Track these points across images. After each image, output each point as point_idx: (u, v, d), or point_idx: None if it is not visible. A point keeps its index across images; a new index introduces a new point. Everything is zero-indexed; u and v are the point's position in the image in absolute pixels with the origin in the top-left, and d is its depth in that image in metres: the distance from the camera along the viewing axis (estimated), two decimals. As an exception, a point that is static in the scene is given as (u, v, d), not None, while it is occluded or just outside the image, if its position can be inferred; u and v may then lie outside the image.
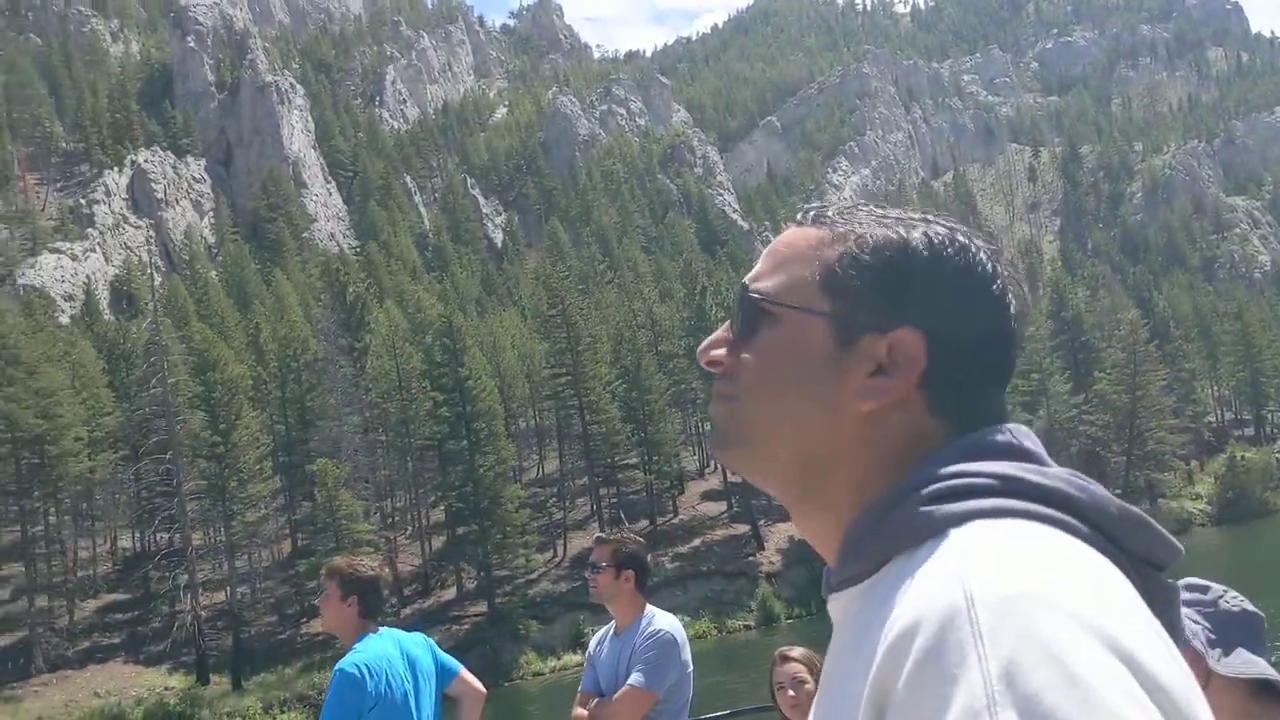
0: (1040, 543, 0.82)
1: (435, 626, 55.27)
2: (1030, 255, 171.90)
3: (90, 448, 53.77)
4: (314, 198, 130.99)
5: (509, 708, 45.10)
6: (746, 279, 1.01)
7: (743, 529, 63.78)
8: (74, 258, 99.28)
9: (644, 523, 64.97)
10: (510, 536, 53.90)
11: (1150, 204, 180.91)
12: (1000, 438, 0.92)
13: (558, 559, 61.16)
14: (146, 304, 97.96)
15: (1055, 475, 0.89)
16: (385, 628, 4.76)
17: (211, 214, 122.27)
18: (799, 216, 1.04)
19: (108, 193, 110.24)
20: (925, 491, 0.88)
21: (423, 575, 59.77)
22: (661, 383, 63.52)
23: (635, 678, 4.32)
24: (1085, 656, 0.72)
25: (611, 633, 4.64)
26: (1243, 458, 72.40)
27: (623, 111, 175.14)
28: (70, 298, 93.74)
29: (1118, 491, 72.76)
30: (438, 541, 62.84)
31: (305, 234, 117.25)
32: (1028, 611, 0.74)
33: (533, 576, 58.72)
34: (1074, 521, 0.85)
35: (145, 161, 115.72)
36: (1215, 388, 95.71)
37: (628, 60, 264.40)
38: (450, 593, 58.75)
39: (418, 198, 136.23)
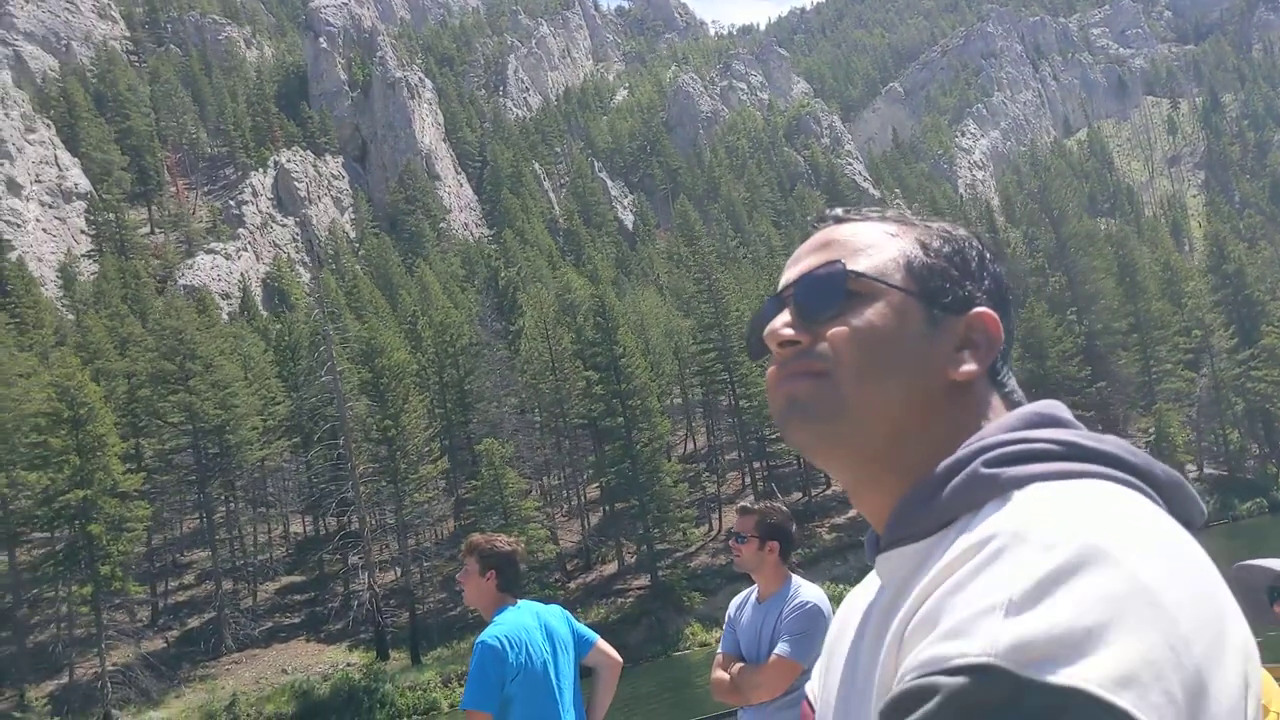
0: (1102, 497, 0.85)
1: (600, 600, 56.29)
2: (1174, 210, 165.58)
3: (264, 436, 56.12)
4: (447, 189, 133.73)
5: (676, 676, 45.71)
6: (833, 263, 1.04)
7: (898, 498, 63.15)
8: (228, 257, 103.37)
9: (796, 495, 64.98)
10: (669, 511, 54.41)
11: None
12: (1048, 410, 0.98)
13: (713, 532, 61.56)
14: (299, 298, 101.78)
15: (1110, 440, 0.92)
16: (524, 600, 4.81)
17: (351, 209, 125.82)
18: (835, 214, 1.10)
19: (254, 193, 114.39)
20: (990, 455, 0.92)
21: (583, 551, 60.82)
22: (812, 353, 63.12)
23: (783, 648, 4.24)
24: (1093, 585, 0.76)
25: (754, 598, 4.55)
26: None
27: (743, 86, 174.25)
28: (227, 295, 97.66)
29: (1291, 450, 69.98)
30: (594, 518, 63.90)
31: (442, 224, 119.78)
32: (1089, 534, 0.79)
33: (691, 550, 59.28)
34: (1134, 480, 0.89)
35: (287, 161, 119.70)
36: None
37: (743, 35, 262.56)
38: (611, 567, 59.61)
39: (546, 184, 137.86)
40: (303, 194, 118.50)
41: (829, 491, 65.52)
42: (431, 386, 60.11)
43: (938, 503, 0.93)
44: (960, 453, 0.95)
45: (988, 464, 0.92)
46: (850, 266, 1.03)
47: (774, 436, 64.00)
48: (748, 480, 65.68)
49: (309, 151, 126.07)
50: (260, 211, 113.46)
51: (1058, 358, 62.99)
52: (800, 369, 1.02)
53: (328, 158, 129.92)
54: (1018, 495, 0.87)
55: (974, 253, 1.06)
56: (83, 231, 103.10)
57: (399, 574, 57.40)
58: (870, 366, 1.00)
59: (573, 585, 58.27)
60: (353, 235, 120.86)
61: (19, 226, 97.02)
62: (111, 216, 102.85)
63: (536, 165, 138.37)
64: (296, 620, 57.36)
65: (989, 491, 0.90)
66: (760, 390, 61.58)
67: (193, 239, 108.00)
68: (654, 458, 55.14)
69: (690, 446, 71.52)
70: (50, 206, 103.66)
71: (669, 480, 55.17)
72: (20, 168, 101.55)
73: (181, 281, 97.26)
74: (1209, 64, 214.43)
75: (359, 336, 53.70)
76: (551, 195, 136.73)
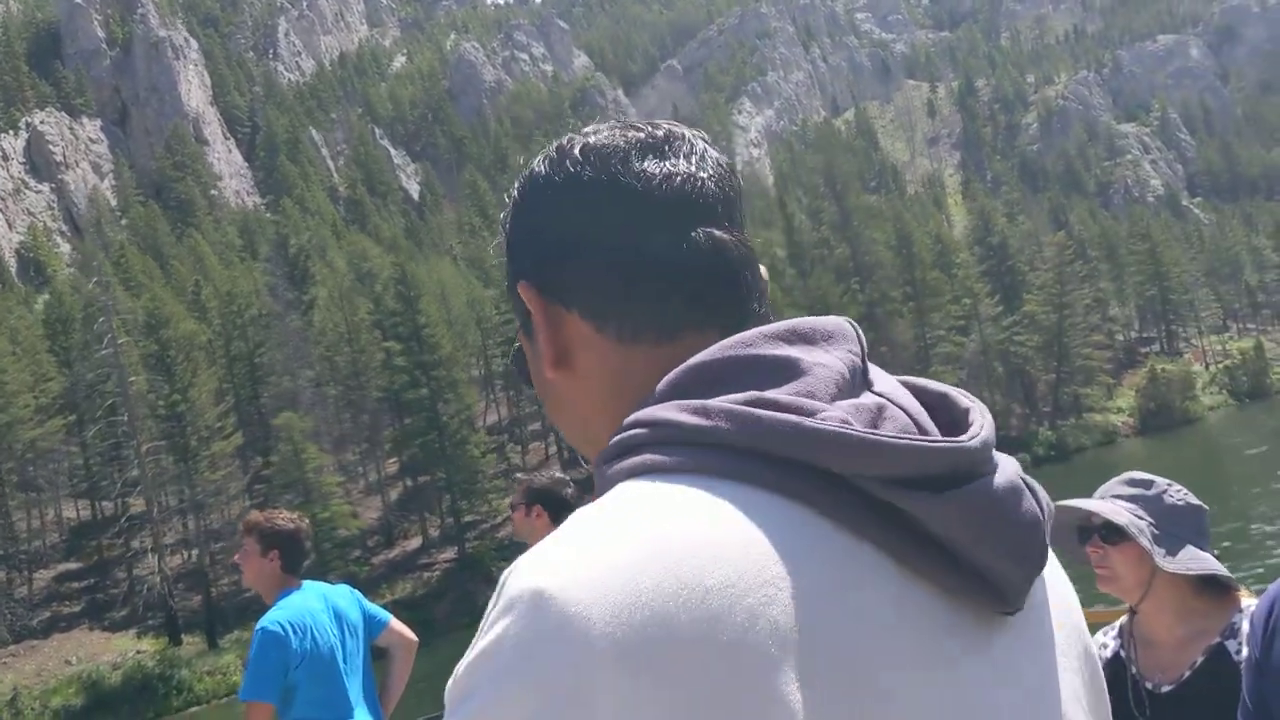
0: (628, 509, 0.70)
1: (406, 575, 55.41)
2: (934, 188, 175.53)
3: (36, 415, 52.28)
4: (216, 155, 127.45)
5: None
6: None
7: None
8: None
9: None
10: (477, 482, 54.04)
11: (1046, 133, 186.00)
12: (715, 356, 0.79)
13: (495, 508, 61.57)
14: (57, 269, 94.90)
15: (715, 410, 0.74)
16: (309, 581, 4.56)
17: (112, 175, 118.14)
18: None
19: (4, 157, 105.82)
20: (602, 452, 0.79)
21: (385, 526, 59.59)
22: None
23: None
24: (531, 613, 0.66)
25: None
26: (1163, 370, 75.79)
27: (525, 57, 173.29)
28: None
29: (1047, 409, 75.84)
30: (393, 493, 62.68)
31: (213, 192, 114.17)
32: (519, 605, 0.66)
33: (498, 521, 59.02)
34: (727, 462, 0.72)
35: (40, 124, 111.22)
36: (1122, 307, 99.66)
37: (520, 5, 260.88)
38: (415, 542, 58.69)
39: (324, 151, 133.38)
40: (59, 158, 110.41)
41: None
42: (219, 359, 57.46)
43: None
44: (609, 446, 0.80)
45: (601, 460, 0.79)
46: None
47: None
48: (552, 450, 65.90)
49: (64, 113, 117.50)
50: (11, 177, 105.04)
51: (843, 324, 65.96)
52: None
53: (84, 120, 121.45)
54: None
55: (520, 203, 0.91)
56: None
57: (189, 556, 54.81)
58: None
59: (375, 562, 57.11)
60: (114, 203, 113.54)
61: None
62: None
63: (314, 131, 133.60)
64: (77, 609, 53.95)
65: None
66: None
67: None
68: (461, 429, 54.56)
69: (494, 418, 71.11)
70: None
71: (476, 451, 54.75)
72: None
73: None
74: (963, 50, 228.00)
75: (143, 307, 50.61)
76: (330, 163, 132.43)
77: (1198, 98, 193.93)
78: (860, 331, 0.85)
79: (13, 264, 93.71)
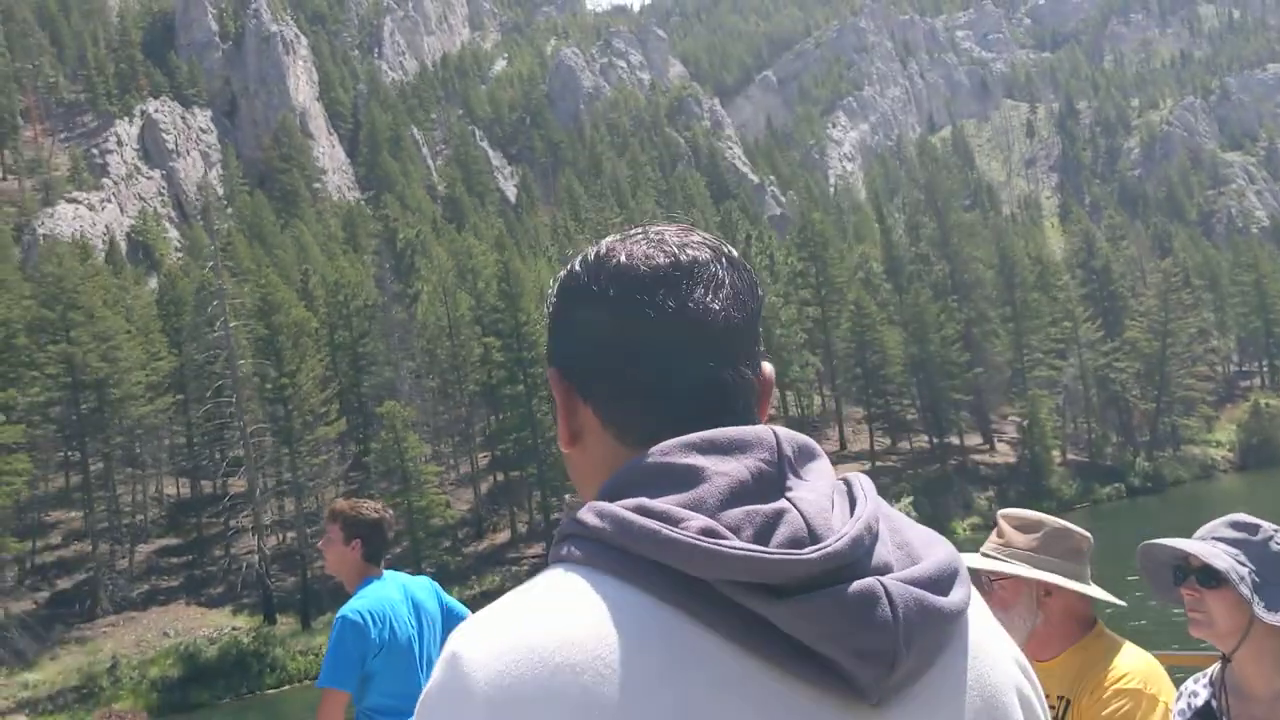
0: (530, 597, 0.91)
1: (495, 568, 56.05)
2: (1030, 209, 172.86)
3: (148, 392, 53.91)
4: (320, 150, 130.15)
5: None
6: None
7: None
8: (91, 208, 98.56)
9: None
10: (567, 480, 54.40)
11: (1147, 159, 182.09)
12: (638, 463, 0.95)
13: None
14: (164, 254, 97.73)
15: (605, 514, 0.91)
16: (390, 571, 4.59)
17: (219, 165, 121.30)
18: None
19: (119, 143, 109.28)
20: (561, 527, 0.97)
21: (475, 519, 60.35)
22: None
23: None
24: (438, 697, 0.89)
25: None
26: (1268, 404, 73.75)
27: (623, 64, 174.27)
28: (90, 248, 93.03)
29: (1145, 438, 74.17)
30: (483, 486, 63.39)
31: (317, 184, 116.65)
32: (449, 658, 0.89)
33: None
34: (623, 561, 0.89)
35: (155, 112, 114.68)
36: (1223, 339, 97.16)
37: (619, 12, 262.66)
38: (504, 535, 59.34)
39: (425, 150, 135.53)
40: (170, 146, 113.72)
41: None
42: (323, 347, 58.70)
43: None
44: None
45: (554, 542, 0.99)
46: None
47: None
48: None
49: (176, 103, 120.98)
50: (125, 162, 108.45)
51: (940, 342, 65.32)
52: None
53: (196, 110, 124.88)
54: None
55: (556, 300, 1.08)
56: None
57: (285, 538, 56.04)
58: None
59: (465, 553, 57.85)
60: (221, 192, 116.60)
61: None
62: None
63: (415, 130, 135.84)
64: (175, 583, 55.44)
65: None
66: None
67: (51, 187, 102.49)
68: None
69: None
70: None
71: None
72: None
73: (40, 230, 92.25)
74: (1065, 71, 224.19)
75: (255, 292, 51.94)
76: (430, 162, 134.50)
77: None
78: (784, 439, 0.96)
79: (123, 246, 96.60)
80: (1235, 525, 2.39)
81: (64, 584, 53.95)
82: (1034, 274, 73.04)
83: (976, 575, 2.74)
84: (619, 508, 0.90)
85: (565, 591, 0.89)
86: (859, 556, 0.88)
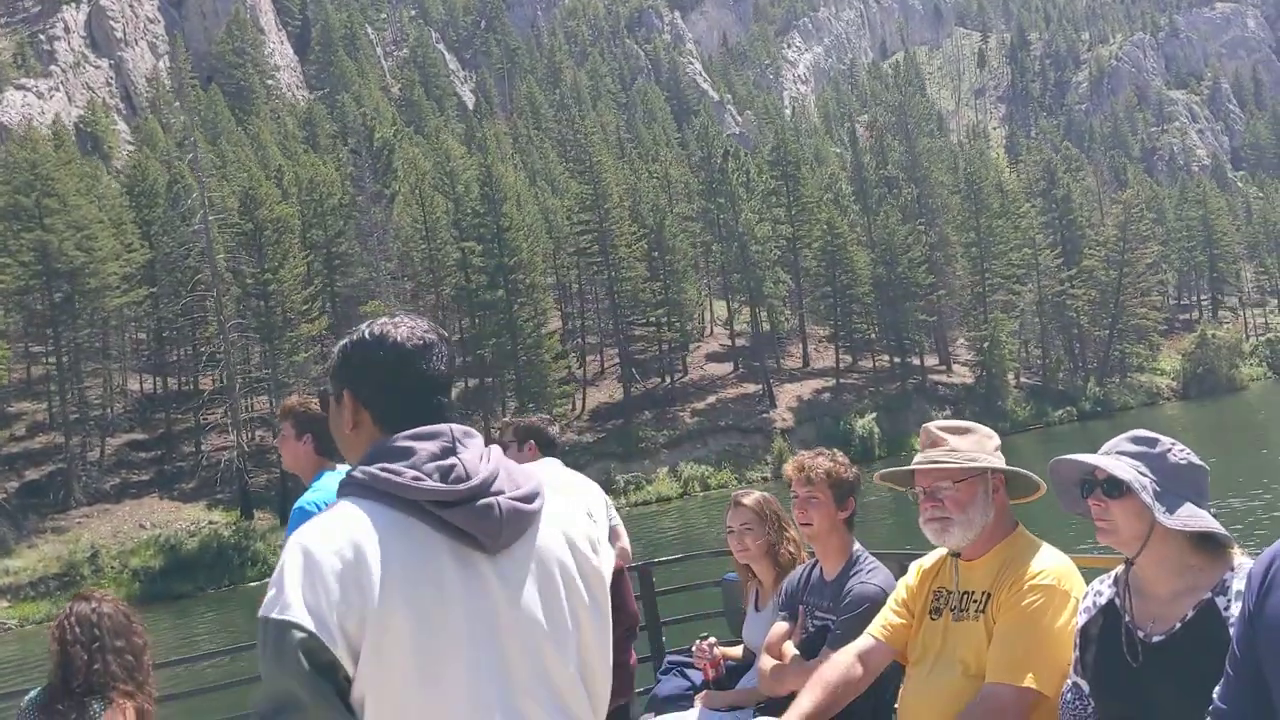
0: (333, 511, 1.81)
1: (468, 471, 56.62)
2: (978, 139, 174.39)
3: (122, 284, 53.09)
4: (271, 46, 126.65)
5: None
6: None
7: (753, 388, 65.81)
8: (40, 96, 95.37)
9: (656, 380, 66.69)
10: (549, 386, 55.00)
11: (1095, 93, 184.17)
12: (384, 445, 1.87)
13: (577, 411, 62.64)
14: (113, 147, 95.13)
15: (371, 471, 1.81)
16: (342, 465, 4.62)
17: (167, 57, 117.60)
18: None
19: (66, 29, 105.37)
20: (342, 480, 1.88)
21: (447, 423, 60.64)
22: (684, 242, 64.39)
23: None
24: (290, 559, 1.74)
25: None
26: (1214, 335, 76.38)
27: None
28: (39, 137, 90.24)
29: (1094, 365, 76.46)
30: (454, 391, 63.59)
31: (270, 81, 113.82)
32: (293, 542, 1.77)
33: (559, 426, 60.18)
34: (378, 493, 1.80)
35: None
36: (1165, 273, 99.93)
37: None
38: (475, 440, 59.82)
39: (379, 50, 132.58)
40: (119, 35, 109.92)
41: (686, 378, 67.58)
42: (301, 246, 58.13)
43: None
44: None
45: (341, 486, 1.87)
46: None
47: (645, 321, 65.37)
48: (609, 364, 66.88)
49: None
50: (73, 50, 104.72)
51: (907, 264, 66.50)
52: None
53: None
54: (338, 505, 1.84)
55: (347, 355, 1.97)
56: None
57: (257, 435, 55.93)
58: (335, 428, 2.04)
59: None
60: (168, 85, 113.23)
61: None
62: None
63: (370, 29, 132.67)
64: (145, 477, 55.20)
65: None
66: (632, 274, 62.58)
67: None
68: (535, 332, 55.42)
69: (553, 325, 71.96)
70: None
71: (548, 356, 55.65)
72: None
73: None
74: (1017, 2, 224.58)
75: (230, 186, 51.11)
76: (384, 63, 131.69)
77: (1250, 70, 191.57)
78: (456, 430, 1.88)
79: (71, 136, 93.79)
80: (1136, 440, 2.57)
81: (32, 475, 53.43)
82: (998, 201, 74.33)
83: (928, 484, 3.03)
84: (374, 467, 1.79)
85: (351, 508, 1.77)
86: (488, 486, 1.80)
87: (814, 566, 4.04)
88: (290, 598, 1.68)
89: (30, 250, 50.30)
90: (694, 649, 4.62)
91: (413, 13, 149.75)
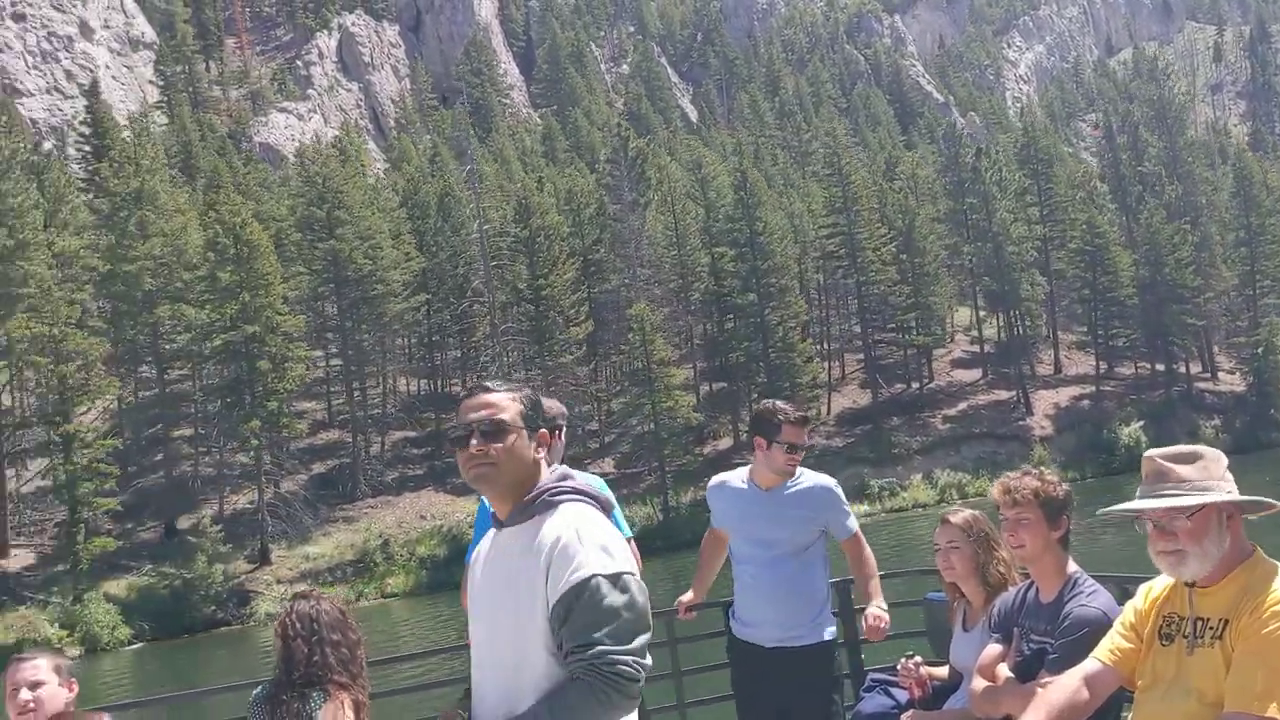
0: (581, 508, 2.62)
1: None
2: (1220, 137, 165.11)
3: (403, 290, 56.34)
4: (502, 66, 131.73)
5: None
6: (490, 414, 2.68)
7: (1005, 395, 64.34)
8: (300, 118, 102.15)
9: (901, 386, 66.01)
10: (799, 390, 55.24)
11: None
12: (561, 471, 2.71)
13: (823, 416, 62.60)
14: (363, 165, 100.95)
15: (581, 482, 2.70)
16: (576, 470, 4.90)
17: (408, 79, 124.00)
18: (486, 384, 2.77)
19: (320, 55, 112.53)
20: (545, 490, 2.63)
21: (695, 425, 61.76)
22: (934, 245, 63.63)
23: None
24: (602, 537, 2.57)
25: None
26: None
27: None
28: (300, 156, 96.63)
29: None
30: (701, 392, 64.58)
31: (505, 100, 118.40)
32: (589, 531, 2.56)
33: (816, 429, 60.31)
34: (591, 498, 2.67)
35: (352, 25, 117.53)
36: None
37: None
38: (725, 442, 60.67)
39: (602, 67, 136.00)
40: (366, 59, 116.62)
41: (932, 384, 66.61)
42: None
43: (530, 509, 2.64)
44: (534, 490, 2.65)
45: (544, 494, 2.64)
46: (499, 417, 2.65)
47: (890, 326, 64.87)
48: (845, 370, 66.60)
49: (369, 16, 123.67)
50: (326, 74, 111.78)
51: (1174, 265, 63.72)
52: (482, 462, 2.64)
53: (385, 24, 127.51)
54: (560, 507, 2.62)
55: (535, 405, 2.72)
56: (150, 82, 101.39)
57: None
58: (512, 459, 2.64)
59: (686, 458, 59.33)
60: (412, 106, 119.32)
61: (91, 71, 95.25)
62: (181, 68, 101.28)
63: (594, 46, 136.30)
64: (420, 472, 58.24)
65: (548, 507, 2.63)
66: (883, 277, 62.20)
67: (257, 97, 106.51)
68: (787, 336, 55.83)
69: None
70: (119, 54, 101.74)
71: (799, 360, 55.94)
72: (92, 10, 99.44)
73: (256, 139, 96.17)
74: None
75: (505, 197, 53.57)
76: (607, 79, 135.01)
77: None
78: (568, 470, 2.80)
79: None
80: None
81: (319, 468, 57.28)
82: (1266, 198, 70.29)
83: (1157, 517, 2.89)
84: (581, 484, 2.68)
85: (590, 509, 2.65)
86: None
87: (1029, 587, 3.94)
88: (619, 556, 2.53)
89: (322, 259, 53.99)
90: (899, 667, 4.60)
91: (631, 29, 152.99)
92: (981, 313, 67.67)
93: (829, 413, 62.78)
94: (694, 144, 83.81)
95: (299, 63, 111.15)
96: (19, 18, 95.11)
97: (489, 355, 53.73)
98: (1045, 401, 63.67)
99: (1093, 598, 3.66)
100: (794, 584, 5.00)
